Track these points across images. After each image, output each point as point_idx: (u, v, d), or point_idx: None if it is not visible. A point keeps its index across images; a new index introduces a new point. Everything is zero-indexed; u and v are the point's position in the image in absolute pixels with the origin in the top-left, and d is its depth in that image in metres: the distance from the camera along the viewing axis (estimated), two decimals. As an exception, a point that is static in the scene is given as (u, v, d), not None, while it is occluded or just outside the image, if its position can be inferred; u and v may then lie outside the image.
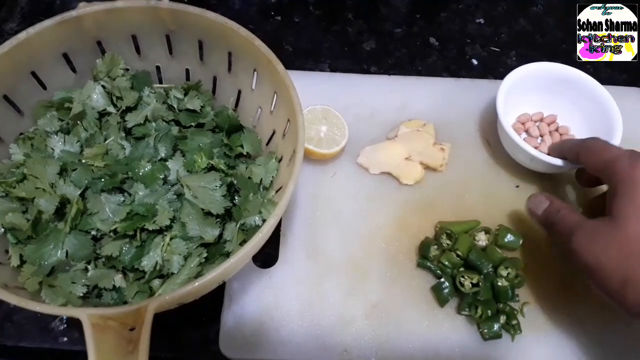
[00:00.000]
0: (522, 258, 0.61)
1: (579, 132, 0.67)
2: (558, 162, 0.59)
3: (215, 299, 0.57)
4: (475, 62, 0.79)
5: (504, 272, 0.57)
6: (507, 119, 0.63)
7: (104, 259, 0.49)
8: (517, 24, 0.83)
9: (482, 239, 0.60)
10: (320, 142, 0.63)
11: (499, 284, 0.56)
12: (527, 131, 0.67)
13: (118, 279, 0.48)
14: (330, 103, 0.70)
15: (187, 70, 0.61)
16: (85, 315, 0.39)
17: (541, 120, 0.68)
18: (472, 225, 0.61)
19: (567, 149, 0.58)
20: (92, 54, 0.58)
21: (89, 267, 0.49)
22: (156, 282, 0.49)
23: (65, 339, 0.56)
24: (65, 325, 0.57)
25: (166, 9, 0.55)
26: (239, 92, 0.60)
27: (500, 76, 0.76)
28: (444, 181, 0.66)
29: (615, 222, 0.47)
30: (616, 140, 0.61)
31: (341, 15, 0.82)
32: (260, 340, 0.55)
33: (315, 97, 0.69)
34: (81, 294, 0.47)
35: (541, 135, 0.67)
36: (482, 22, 0.83)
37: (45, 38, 0.53)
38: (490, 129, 0.70)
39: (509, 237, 0.60)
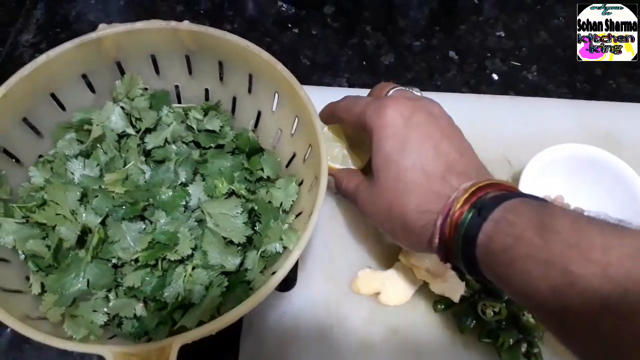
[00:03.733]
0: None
1: (604, 216, 0.63)
2: None
3: (234, 325, 0.56)
4: (495, 77, 0.78)
5: (526, 299, 0.57)
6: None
7: (125, 288, 0.49)
8: (538, 37, 0.82)
9: (503, 264, 0.59)
10: (345, 159, 0.62)
11: (525, 319, 0.55)
12: None
13: (139, 309, 0.48)
14: (349, 120, 0.69)
15: (207, 90, 0.61)
16: (110, 352, 0.39)
17: None
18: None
19: (325, 112, 0.56)
20: (111, 74, 0.57)
21: (109, 295, 0.49)
22: (177, 312, 0.48)
23: (84, 361, 0.57)
24: (84, 347, 0.57)
25: (186, 30, 0.54)
26: (259, 113, 0.60)
27: (522, 92, 0.76)
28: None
29: (375, 178, 0.48)
30: None
31: (359, 28, 0.81)
32: (280, 366, 0.55)
33: (334, 115, 0.68)
34: (102, 323, 0.47)
35: None
36: (503, 35, 0.82)
37: (65, 60, 0.53)
38: (511, 147, 0.69)
39: (531, 262, 0.59)
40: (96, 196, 0.50)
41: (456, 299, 0.56)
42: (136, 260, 0.48)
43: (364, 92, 0.72)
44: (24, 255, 0.49)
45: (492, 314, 0.55)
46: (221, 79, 0.59)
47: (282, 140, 0.59)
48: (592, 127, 0.71)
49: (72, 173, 0.53)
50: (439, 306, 0.58)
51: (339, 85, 0.76)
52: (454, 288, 0.57)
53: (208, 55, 0.57)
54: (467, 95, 0.74)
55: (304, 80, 0.53)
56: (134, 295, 0.48)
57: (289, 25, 0.81)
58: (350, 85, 0.76)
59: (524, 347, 0.55)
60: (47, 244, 0.49)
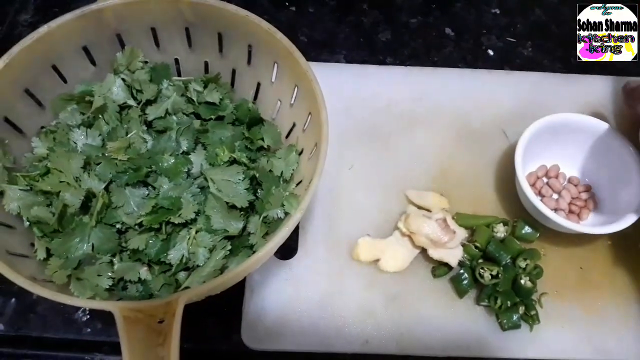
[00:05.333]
0: (541, 249, 0.61)
1: (598, 184, 0.65)
2: (578, 227, 0.58)
3: (237, 290, 0.57)
4: (491, 52, 0.79)
5: (522, 264, 0.58)
6: (525, 174, 0.61)
7: (129, 252, 0.49)
8: (532, 14, 0.83)
9: (500, 231, 0.60)
10: None
11: (522, 282, 0.56)
12: (540, 192, 0.64)
13: (144, 272, 0.49)
14: (347, 95, 0.70)
15: (206, 63, 0.61)
16: (117, 308, 0.39)
17: (547, 175, 0.66)
18: (490, 220, 0.61)
19: None
20: (111, 47, 0.58)
21: (114, 260, 0.49)
22: (182, 275, 0.49)
23: (89, 329, 0.57)
24: (88, 317, 0.58)
25: (186, 1, 0.55)
26: (258, 84, 0.60)
27: (517, 67, 0.77)
28: (461, 173, 0.66)
29: None
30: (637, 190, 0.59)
31: (356, 6, 0.82)
32: (282, 331, 0.56)
33: (332, 89, 0.68)
34: (107, 287, 0.48)
35: (557, 192, 0.65)
36: (498, 12, 0.83)
37: (66, 31, 0.53)
38: (507, 120, 0.70)
39: (527, 229, 0.61)
40: (99, 163, 0.51)
41: (454, 264, 0.58)
42: (140, 225, 0.49)
43: (362, 69, 0.74)
44: (28, 222, 0.50)
45: (489, 277, 0.56)
46: (220, 51, 0.60)
47: (282, 111, 0.60)
48: (586, 100, 0.72)
49: (75, 142, 0.53)
50: (438, 272, 0.59)
51: (337, 62, 0.76)
52: (452, 253, 0.58)
53: (208, 26, 0.57)
54: (463, 70, 0.75)
55: (301, 58, 0.53)
56: (139, 258, 0.49)
57: (286, 3, 0.81)
58: (348, 62, 0.76)
59: (521, 310, 0.56)
60: (51, 211, 0.50)
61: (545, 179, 0.66)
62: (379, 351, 0.56)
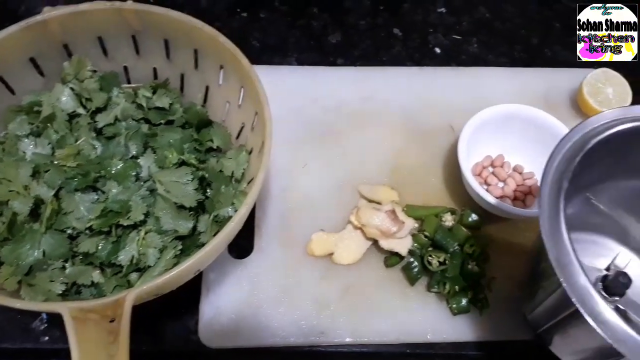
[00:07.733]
0: (488, 236, 0.63)
1: (541, 170, 0.66)
2: (521, 211, 0.61)
3: (193, 290, 0.58)
4: (438, 50, 0.81)
5: (469, 250, 0.60)
6: (469, 164, 0.63)
7: (81, 256, 0.50)
8: (477, 12, 0.86)
9: (448, 220, 0.63)
10: (610, 104, 0.65)
11: (469, 267, 0.59)
12: (486, 181, 0.67)
13: (96, 275, 0.50)
14: (299, 96, 0.72)
15: (155, 69, 0.63)
16: (65, 308, 0.40)
17: (493, 165, 0.68)
18: (439, 210, 0.64)
19: None
20: (59, 57, 0.59)
21: (66, 265, 0.50)
22: (134, 276, 0.50)
23: (47, 338, 0.57)
24: (46, 325, 0.58)
25: (130, 9, 0.56)
26: (207, 88, 0.62)
27: (464, 64, 0.80)
28: (412, 167, 0.68)
29: None
30: None
31: (306, 10, 0.84)
32: (239, 328, 0.57)
33: (284, 91, 0.71)
34: (60, 292, 0.48)
35: (502, 181, 0.67)
36: (444, 11, 0.85)
37: (12, 43, 0.54)
38: (454, 114, 0.72)
39: (473, 217, 0.63)
40: (48, 170, 0.51)
41: (404, 253, 0.60)
42: (90, 229, 0.50)
43: (313, 70, 0.76)
44: (-23, 233, 0.50)
45: (437, 264, 0.58)
46: (168, 57, 0.61)
47: (231, 112, 0.61)
48: (530, 92, 0.75)
49: (24, 152, 0.54)
50: (390, 261, 0.61)
51: (289, 65, 0.78)
52: (402, 243, 0.60)
53: (153, 33, 0.59)
54: (411, 68, 0.77)
55: (254, 62, 0.55)
56: (90, 262, 0.50)
57: (238, 10, 0.83)
58: (300, 64, 0.78)
59: (469, 294, 0.58)
60: (1, 220, 0.50)
61: (490, 169, 0.68)
62: (335, 341, 0.57)
